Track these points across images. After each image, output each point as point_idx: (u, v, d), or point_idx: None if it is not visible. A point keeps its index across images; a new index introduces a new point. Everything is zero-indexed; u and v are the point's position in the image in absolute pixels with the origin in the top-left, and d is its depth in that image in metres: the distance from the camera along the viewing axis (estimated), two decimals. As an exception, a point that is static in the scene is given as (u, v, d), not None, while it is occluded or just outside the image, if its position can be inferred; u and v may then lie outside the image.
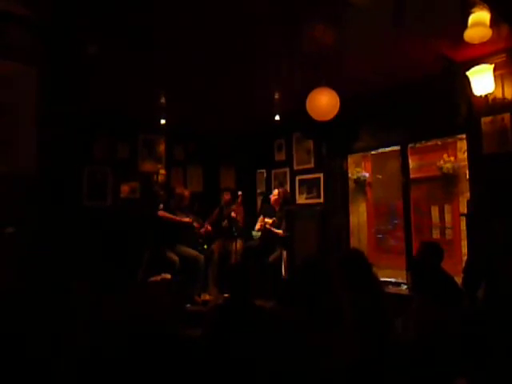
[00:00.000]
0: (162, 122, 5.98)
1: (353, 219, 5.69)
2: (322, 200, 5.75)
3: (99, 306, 3.08)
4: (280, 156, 6.52)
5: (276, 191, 5.85)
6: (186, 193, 5.63)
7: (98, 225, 5.55)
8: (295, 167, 6.23)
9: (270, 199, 5.95)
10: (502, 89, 3.63)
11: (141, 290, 4.27)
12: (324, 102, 4.00)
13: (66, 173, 4.97)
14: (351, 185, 5.76)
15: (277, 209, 5.74)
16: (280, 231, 5.53)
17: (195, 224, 5.58)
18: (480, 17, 2.99)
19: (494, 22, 3.03)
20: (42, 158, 2.44)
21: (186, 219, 5.40)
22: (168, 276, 4.73)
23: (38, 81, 2.40)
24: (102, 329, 2.79)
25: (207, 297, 5.17)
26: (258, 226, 5.79)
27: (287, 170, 6.37)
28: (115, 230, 5.63)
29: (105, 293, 3.49)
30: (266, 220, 5.67)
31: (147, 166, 6.25)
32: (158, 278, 4.67)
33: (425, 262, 3.21)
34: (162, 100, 5.30)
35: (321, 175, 5.79)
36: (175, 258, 5.08)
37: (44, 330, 2.08)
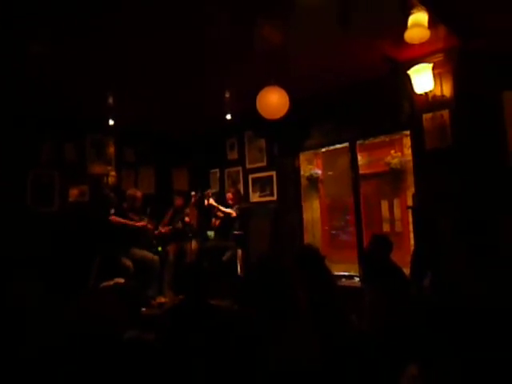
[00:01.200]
0: (111, 122, 5.81)
1: (307, 216, 5.78)
2: (275, 198, 5.80)
3: (48, 312, 2.95)
4: (232, 155, 6.51)
5: (229, 194, 5.89)
6: (138, 194, 5.52)
7: (46, 230, 5.32)
8: (248, 166, 6.25)
9: (223, 198, 5.99)
10: (441, 87, 3.80)
11: (92, 296, 4.13)
12: (274, 101, 4.04)
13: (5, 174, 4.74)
14: (304, 182, 5.85)
15: (234, 207, 5.77)
16: (232, 211, 5.58)
17: (149, 225, 5.48)
18: (418, 18, 3.12)
19: (432, 23, 3.17)
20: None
21: (140, 223, 5.29)
22: (121, 280, 4.61)
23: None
24: (50, 336, 2.67)
25: (163, 299, 5.08)
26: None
27: (240, 168, 6.37)
28: (64, 235, 5.43)
29: (54, 299, 3.35)
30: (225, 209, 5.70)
31: (96, 168, 6.05)
32: (111, 282, 4.54)
33: (374, 254, 3.32)
34: (110, 100, 5.16)
35: (273, 173, 5.84)
36: (128, 263, 4.97)
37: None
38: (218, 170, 6.78)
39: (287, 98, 4.06)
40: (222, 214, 5.72)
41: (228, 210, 5.65)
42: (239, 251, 5.44)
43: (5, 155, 5.01)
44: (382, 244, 3.33)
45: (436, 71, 3.78)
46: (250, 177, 6.19)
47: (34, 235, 5.15)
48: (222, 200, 6.06)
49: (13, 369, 1.88)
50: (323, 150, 5.68)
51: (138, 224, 5.28)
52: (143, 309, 4.74)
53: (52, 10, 2.95)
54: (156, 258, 5.31)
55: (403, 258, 4.15)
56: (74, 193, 5.79)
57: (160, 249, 5.72)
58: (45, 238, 5.22)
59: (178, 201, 6.04)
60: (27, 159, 5.40)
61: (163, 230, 5.75)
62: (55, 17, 3.06)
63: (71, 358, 2.11)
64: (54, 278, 4.48)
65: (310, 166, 5.99)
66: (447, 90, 3.77)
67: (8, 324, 2.10)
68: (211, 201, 5.76)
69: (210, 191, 5.91)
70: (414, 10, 3.08)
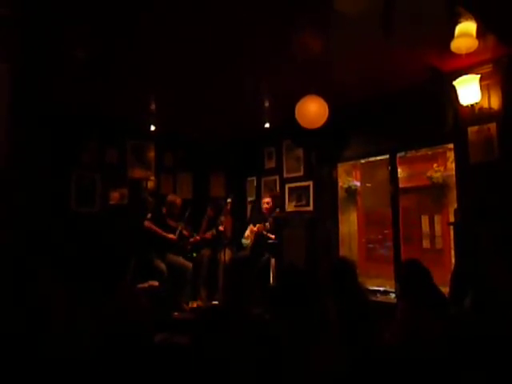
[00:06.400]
0: (152, 128, 5.96)
1: (343, 228, 5.68)
2: (311, 208, 5.74)
3: (81, 313, 3.02)
4: (270, 164, 6.52)
5: (267, 199, 5.86)
6: (178, 200, 5.60)
7: (86, 231, 5.49)
8: (285, 175, 6.23)
9: (260, 207, 5.97)
10: (488, 99, 3.66)
11: (127, 297, 4.21)
12: (312, 110, 4.02)
13: (41, 173, 4.90)
14: (342, 194, 5.76)
15: (269, 214, 5.74)
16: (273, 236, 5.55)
17: (184, 232, 5.54)
18: (466, 27, 3.02)
19: (480, 33, 3.06)
20: (16, 158, 2.38)
21: (171, 236, 5.34)
22: (155, 283, 4.69)
23: (12, 78, 2.34)
24: (83, 336, 2.72)
25: (195, 304, 5.13)
26: (247, 233, 5.77)
27: (277, 177, 6.36)
28: (103, 236, 5.58)
29: (89, 300, 3.43)
30: (258, 226, 5.65)
31: (136, 173, 6.20)
32: (146, 285, 4.63)
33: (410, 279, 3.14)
34: (152, 106, 5.29)
35: (310, 183, 5.79)
36: (163, 266, 5.04)
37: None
38: (255, 178, 6.80)
39: (326, 108, 4.02)
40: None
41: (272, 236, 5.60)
42: (273, 260, 5.41)
43: (50, 154, 5.19)
44: (416, 270, 3.10)
45: (483, 82, 3.64)
46: (287, 186, 6.16)
47: (75, 235, 5.33)
48: (257, 208, 6.05)
49: (39, 369, 1.92)
50: (362, 161, 5.58)
51: (168, 236, 5.34)
52: (175, 313, 4.80)
53: (95, 13, 3.05)
54: (189, 264, 5.36)
55: (444, 276, 3.99)
56: (114, 196, 5.95)
57: (195, 255, 5.77)
58: (85, 238, 5.38)
59: (210, 212, 6.08)
60: (71, 160, 5.61)
61: (198, 238, 5.81)
62: (97, 17, 3.13)
63: (100, 359, 2.14)
64: (91, 278, 4.59)
65: (349, 178, 5.89)
66: (495, 102, 3.62)
67: (34, 322, 2.15)
68: (264, 232, 5.67)
69: (265, 225, 5.74)
70: (462, 19, 2.98)
